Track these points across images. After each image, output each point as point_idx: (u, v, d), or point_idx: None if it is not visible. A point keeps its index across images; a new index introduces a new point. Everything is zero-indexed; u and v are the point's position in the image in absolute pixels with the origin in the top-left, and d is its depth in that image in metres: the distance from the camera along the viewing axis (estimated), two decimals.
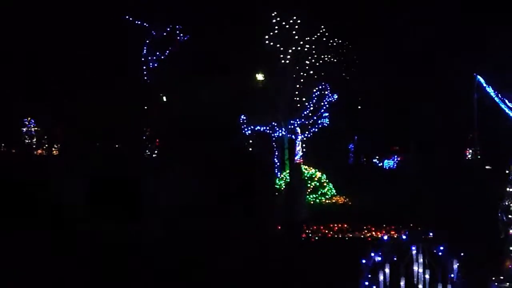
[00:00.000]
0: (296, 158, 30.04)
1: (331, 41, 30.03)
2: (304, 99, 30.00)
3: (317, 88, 30.13)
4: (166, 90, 32.17)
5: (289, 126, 30.68)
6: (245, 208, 16.86)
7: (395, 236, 16.94)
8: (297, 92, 29.91)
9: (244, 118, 30.85)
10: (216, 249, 14.23)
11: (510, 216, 8.81)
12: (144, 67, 30.53)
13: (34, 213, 17.32)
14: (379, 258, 8.48)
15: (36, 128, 40.80)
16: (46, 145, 41.36)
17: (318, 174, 27.95)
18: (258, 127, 31.04)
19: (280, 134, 31.15)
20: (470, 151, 42.17)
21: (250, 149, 30.72)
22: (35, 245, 14.02)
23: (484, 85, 35.29)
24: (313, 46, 29.48)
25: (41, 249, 13.79)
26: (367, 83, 33.38)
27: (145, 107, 31.71)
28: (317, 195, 26.88)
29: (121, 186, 19.17)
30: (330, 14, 29.36)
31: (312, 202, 25.34)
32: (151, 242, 14.90)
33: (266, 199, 16.45)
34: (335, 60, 30.46)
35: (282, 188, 22.15)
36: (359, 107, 37.02)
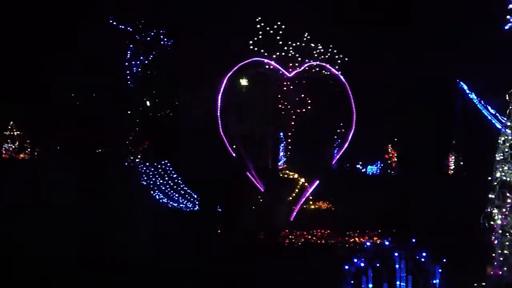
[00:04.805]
0: (280, 164, 29.93)
1: (317, 47, 29.86)
2: (288, 105, 29.89)
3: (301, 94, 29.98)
4: (149, 94, 31.99)
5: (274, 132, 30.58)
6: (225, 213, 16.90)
7: (378, 242, 17.00)
8: (280, 97, 29.79)
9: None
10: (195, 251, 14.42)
11: (492, 222, 8.84)
12: (128, 72, 30.33)
13: None
14: (362, 264, 8.47)
15: (18, 132, 40.39)
16: (29, 149, 40.96)
17: (301, 179, 27.86)
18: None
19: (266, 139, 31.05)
20: (453, 157, 42.29)
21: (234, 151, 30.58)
22: None
23: (467, 91, 35.44)
24: (298, 52, 29.38)
25: None
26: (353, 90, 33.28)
27: (129, 112, 31.46)
28: None
29: None
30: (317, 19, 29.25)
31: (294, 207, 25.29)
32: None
33: (246, 205, 16.44)
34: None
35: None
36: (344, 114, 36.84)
